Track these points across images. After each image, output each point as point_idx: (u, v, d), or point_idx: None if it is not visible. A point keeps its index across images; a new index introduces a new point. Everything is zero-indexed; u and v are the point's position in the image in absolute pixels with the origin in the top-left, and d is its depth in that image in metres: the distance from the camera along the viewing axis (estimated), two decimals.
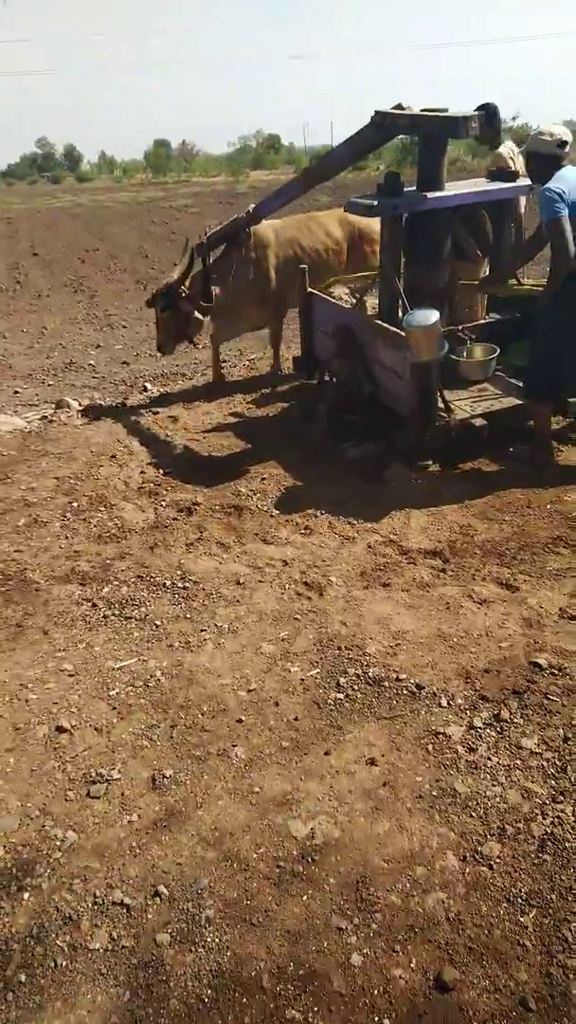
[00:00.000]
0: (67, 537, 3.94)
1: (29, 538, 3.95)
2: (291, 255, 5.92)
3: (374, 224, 5.69)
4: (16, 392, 6.79)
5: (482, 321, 5.18)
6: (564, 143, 3.79)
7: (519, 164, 4.86)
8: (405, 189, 4.67)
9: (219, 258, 5.86)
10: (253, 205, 5.51)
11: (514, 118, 35.04)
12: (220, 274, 5.73)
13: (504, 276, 4.78)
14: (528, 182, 5.10)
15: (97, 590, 3.45)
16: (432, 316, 3.97)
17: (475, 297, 5.15)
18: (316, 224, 6.14)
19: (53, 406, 6.13)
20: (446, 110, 4.51)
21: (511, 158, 4.98)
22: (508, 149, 5.01)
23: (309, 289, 5.48)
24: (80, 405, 6.07)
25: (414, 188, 4.75)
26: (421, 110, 4.48)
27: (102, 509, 4.21)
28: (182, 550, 3.75)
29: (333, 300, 5.51)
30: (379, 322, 4.65)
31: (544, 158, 3.84)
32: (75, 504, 4.27)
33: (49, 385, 7.00)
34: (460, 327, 5.02)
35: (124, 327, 8.88)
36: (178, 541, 3.83)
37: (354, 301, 5.52)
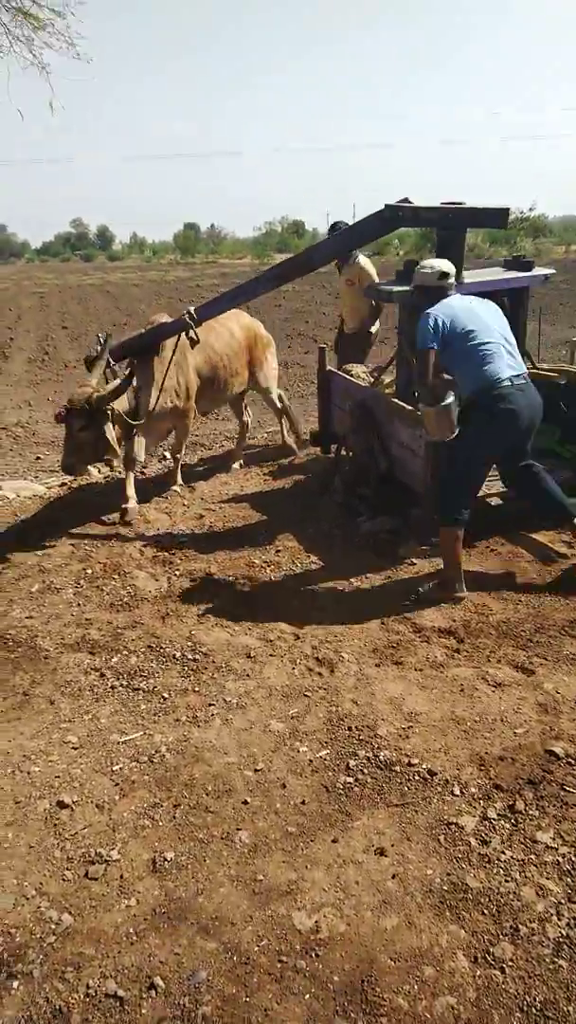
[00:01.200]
0: (79, 604, 3.94)
1: (42, 604, 3.95)
2: (206, 359, 5.56)
3: (261, 328, 6.27)
4: (38, 458, 6.93)
5: None
6: (445, 275, 3.95)
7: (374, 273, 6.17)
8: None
9: (138, 365, 5.19)
10: (192, 308, 4.97)
11: (531, 209, 36.53)
12: (144, 384, 5.11)
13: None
14: (544, 271, 5.28)
15: (106, 659, 3.42)
16: (447, 397, 4.04)
17: None
18: (221, 326, 5.72)
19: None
20: (463, 203, 4.72)
21: (368, 268, 5.94)
22: (364, 259, 6.14)
23: (328, 368, 5.63)
24: (100, 473, 6.17)
25: None
26: (441, 203, 4.68)
27: (115, 577, 4.22)
28: (194, 621, 3.73)
29: (351, 378, 5.64)
30: (396, 400, 4.74)
31: (428, 290, 3.97)
32: (89, 571, 4.29)
33: None
34: None
35: None
36: (190, 611, 3.82)
37: (371, 380, 5.64)
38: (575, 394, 4.84)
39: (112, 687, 3.22)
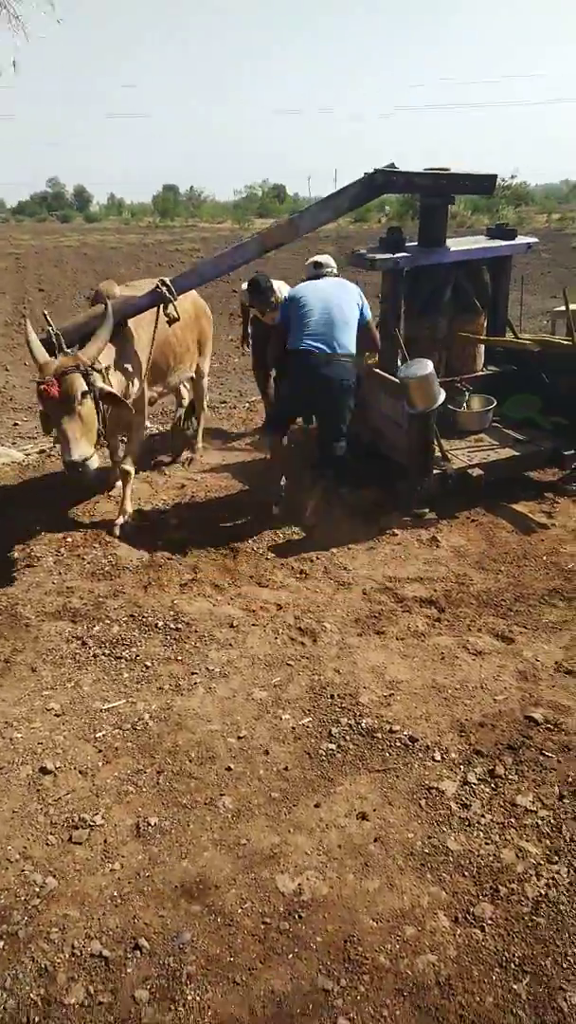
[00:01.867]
0: (60, 573, 3.90)
1: (22, 572, 3.91)
2: (163, 336, 4.66)
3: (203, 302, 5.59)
4: (16, 424, 6.81)
5: (480, 373, 5.26)
6: (318, 264, 4.67)
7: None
8: (407, 244, 4.80)
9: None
10: (167, 278, 4.32)
11: (512, 177, 36.21)
12: (118, 368, 4.22)
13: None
14: (526, 240, 5.24)
15: (88, 628, 3.41)
16: (427, 367, 4.02)
17: (474, 349, 5.23)
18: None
19: (52, 440, 6.13)
20: (448, 169, 4.65)
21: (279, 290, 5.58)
22: (277, 286, 5.57)
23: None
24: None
25: (416, 243, 4.88)
26: (425, 169, 4.61)
27: (96, 546, 4.18)
28: (176, 590, 3.72)
29: None
30: (378, 371, 4.71)
31: (308, 276, 4.68)
32: (69, 540, 4.25)
33: None
34: (458, 378, 5.09)
35: None
36: (172, 581, 3.80)
37: None
38: (557, 366, 4.84)
39: (94, 655, 3.21)
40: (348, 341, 4.27)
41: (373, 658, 3.15)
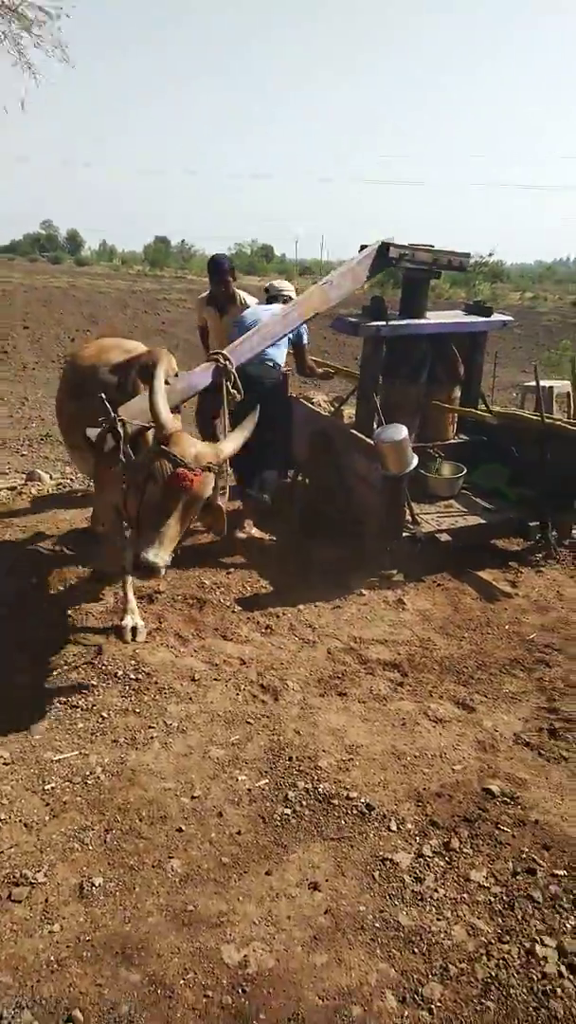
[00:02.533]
0: (19, 618, 3.83)
1: None
2: None
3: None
4: None
5: (452, 441, 5.38)
6: (272, 287, 5.43)
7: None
8: (389, 312, 4.95)
9: None
10: (224, 350, 3.89)
11: (490, 254, 37.71)
12: None
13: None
14: (502, 318, 5.45)
15: (44, 673, 3.33)
16: (401, 432, 4.11)
17: (447, 417, 5.36)
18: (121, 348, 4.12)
19: (24, 476, 6.10)
20: (432, 246, 4.84)
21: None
22: (251, 299, 5.53)
23: (290, 394, 5.67)
24: (52, 479, 6.06)
25: (397, 312, 5.04)
26: (409, 245, 4.79)
27: (60, 589, 4.13)
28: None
29: (312, 406, 5.69)
30: (355, 432, 4.79)
31: (266, 300, 5.28)
32: (33, 581, 4.19)
33: (22, 455, 7.00)
34: (431, 445, 5.20)
35: None
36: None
37: (332, 410, 5.70)
38: (525, 439, 4.97)
39: (49, 702, 3.14)
40: (275, 353, 4.82)
41: (334, 720, 3.12)
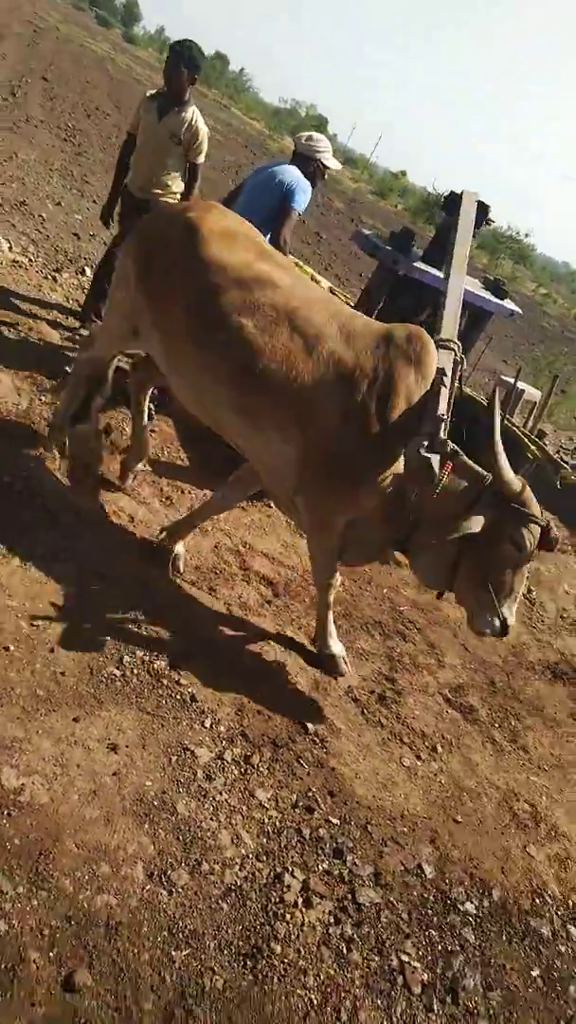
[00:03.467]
0: None
1: None
2: None
3: None
4: None
5: None
6: (304, 141, 4.21)
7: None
8: (413, 249, 4.75)
9: None
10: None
11: (526, 235, 36.83)
12: None
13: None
14: (512, 307, 5.33)
15: None
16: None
17: None
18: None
19: None
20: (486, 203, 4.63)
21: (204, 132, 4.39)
22: (199, 116, 4.35)
23: None
24: (11, 251, 5.58)
25: (420, 251, 4.85)
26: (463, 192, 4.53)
27: None
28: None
29: None
30: None
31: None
32: None
33: None
34: None
35: (94, 202, 8.30)
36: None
37: None
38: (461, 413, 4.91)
39: None
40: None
41: (197, 611, 3.13)
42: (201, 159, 4.38)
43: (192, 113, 4.24)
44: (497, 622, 2.79)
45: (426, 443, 2.65)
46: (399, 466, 2.77)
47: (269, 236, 3.92)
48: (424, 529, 2.82)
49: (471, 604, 2.88)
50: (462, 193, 4.09)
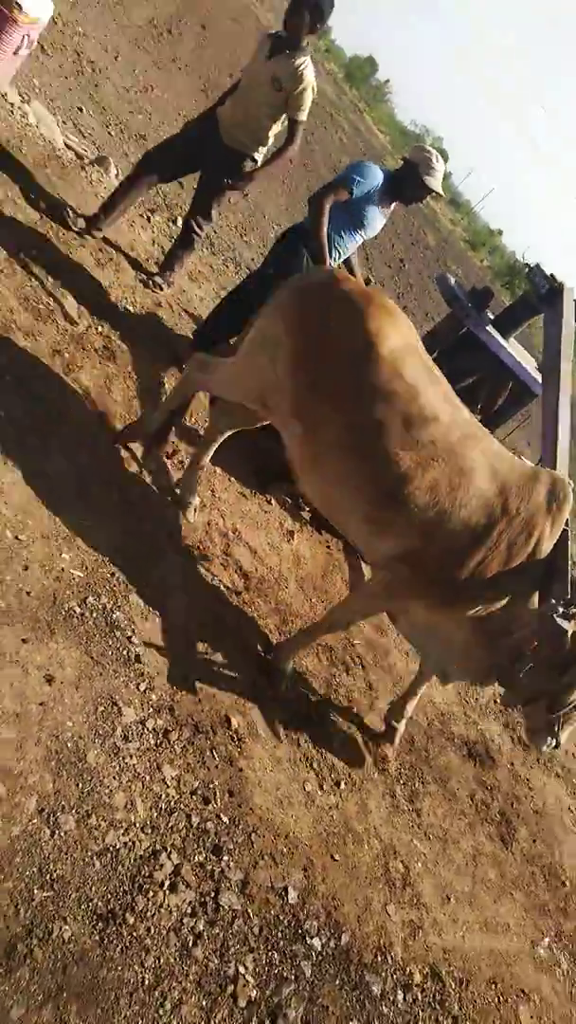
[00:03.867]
0: None
1: None
2: None
3: None
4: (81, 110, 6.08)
5: None
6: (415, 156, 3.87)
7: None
8: (487, 311, 4.83)
9: None
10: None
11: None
12: None
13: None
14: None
15: None
16: None
17: None
18: None
19: (93, 156, 5.54)
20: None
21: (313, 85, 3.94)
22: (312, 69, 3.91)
23: None
24: (117, 176, 5.55)
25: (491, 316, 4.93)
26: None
27: None
28: None
29: None
30: None
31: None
32: None
33: (109, 132, 6.34)
34: None
35: None
36: None
37: None
38: None
39: None
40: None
41: (169, 579, 3.19)
42: (302, 116, 3.96)
43: (303, 62, 3.83)
44: (553, 742, 2.99)
45: (561, 610, 2.77)
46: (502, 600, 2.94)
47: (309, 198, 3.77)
48: (527, 667, 2.94)
49: (535, 722, 3.05)
50: (561, 288, 4.00)
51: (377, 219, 3.92)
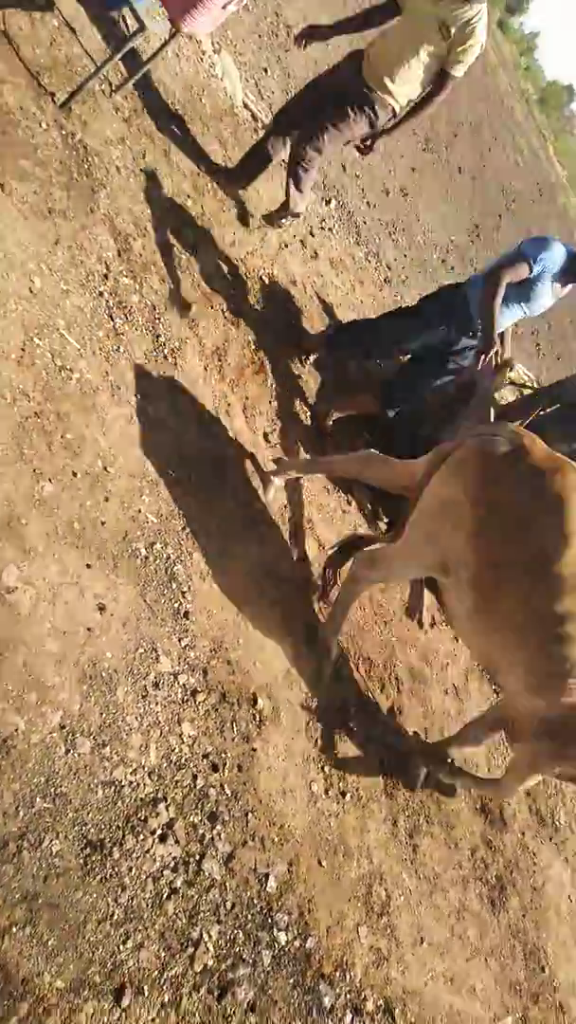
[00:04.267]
0: None
1: None
2: None
3: None
4: (266, 71, 6.17)
5: None
6: None
7: None
8: None
9: None
10: None
11: None
12: None
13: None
14: None
15: None
16: None
17: None
18: None
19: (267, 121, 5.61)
20: None
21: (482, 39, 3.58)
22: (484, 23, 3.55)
23: None
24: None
25: None
26: None
27: None
28: None
29: None
30: None
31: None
32: None
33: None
34: None
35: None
36: None
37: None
38: None
39: None
40: None
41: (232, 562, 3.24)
42: (459, 72, 3.63)
43: (479, 12, 3.45)
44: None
45: None
46: None
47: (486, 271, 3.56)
48: None
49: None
50: None
51: (546, 299, 3.67)
